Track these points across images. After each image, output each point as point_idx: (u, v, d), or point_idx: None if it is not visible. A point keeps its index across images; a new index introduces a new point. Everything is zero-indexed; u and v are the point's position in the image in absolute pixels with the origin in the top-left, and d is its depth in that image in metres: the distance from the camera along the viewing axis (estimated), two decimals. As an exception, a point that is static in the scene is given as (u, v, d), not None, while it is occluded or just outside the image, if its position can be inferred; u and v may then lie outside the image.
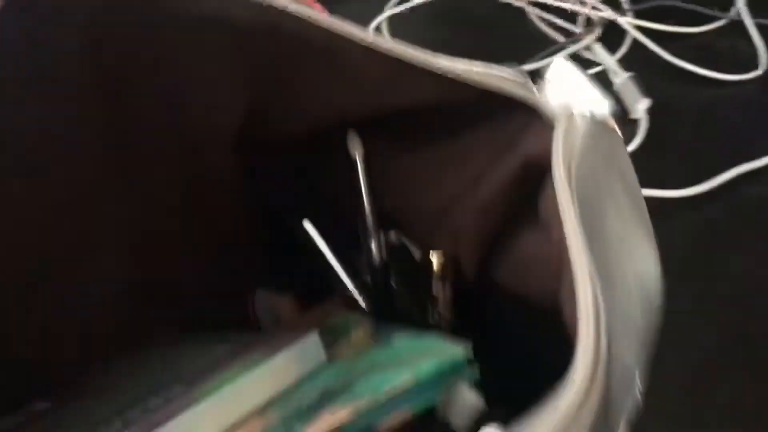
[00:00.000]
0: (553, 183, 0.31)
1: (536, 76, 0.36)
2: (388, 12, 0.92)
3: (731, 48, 0.87)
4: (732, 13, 0.89)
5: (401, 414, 0.32)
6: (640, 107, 0.78)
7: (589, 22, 0.89)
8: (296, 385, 0.35)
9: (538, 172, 0.35)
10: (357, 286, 0.46)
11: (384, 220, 0.44)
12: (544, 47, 0.86)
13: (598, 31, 0.87)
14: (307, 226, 0.47)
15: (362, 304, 0.46)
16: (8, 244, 0.39)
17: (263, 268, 0.49)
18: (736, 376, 0.58)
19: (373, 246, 0.43)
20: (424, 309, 0.41)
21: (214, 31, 0.36)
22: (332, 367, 0.36)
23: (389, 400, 0.32)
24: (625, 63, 0.84)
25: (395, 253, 0.44)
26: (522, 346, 0.39)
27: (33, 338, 0.41)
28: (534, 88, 0.36)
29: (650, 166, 0.72)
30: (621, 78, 0.81)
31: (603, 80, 0.82)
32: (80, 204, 0.40)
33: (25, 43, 0.36)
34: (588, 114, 0.34)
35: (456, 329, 0.40)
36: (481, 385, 0.38)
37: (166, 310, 0.46)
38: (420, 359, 0.34)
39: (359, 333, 0.40)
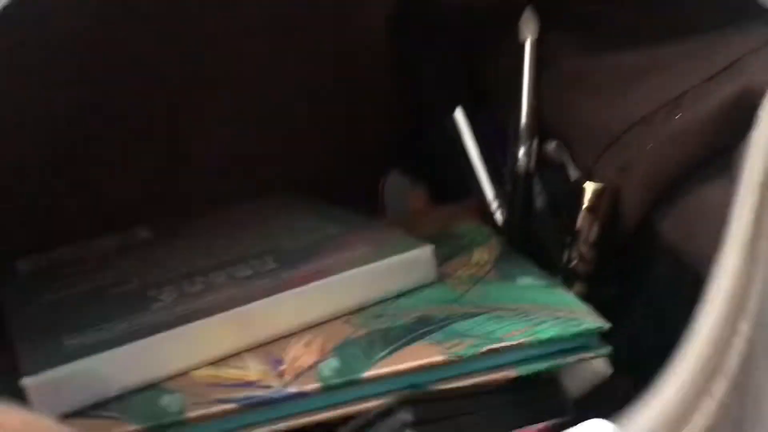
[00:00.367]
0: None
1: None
2: None
3: None
4: None
5: (504, 372, 0.27)
6: None
7: None
8: (395, 298, 0.31)
9: (754, 109, 0.27)
10: (496, 194, 0.40)
11: (543, 130, 0.37)
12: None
13: None
14: (458, 117, 0.41)
15: (497, 215, 0.40)
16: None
17: (400, 155, 0.45)
18: None
19: (521, 150, 0.36)
20: (562, 241, 0.34)
21: None
22: (440, 289, 0.31)
23: (492, 354, 0.26)
24: None
25: (549, 168, 0.37)
26: (665, 314, 0.33)
27: (156, 168, 0.40)
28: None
29: None
30: None
31: None
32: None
33: None
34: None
35: (591, 275, 0.34)
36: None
37: (294, 177, 0.43)
38: (543, 316, 0.28)
39: (483, 253, 0.35)
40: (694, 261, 0.31)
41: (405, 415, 0.24)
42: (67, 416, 0.25)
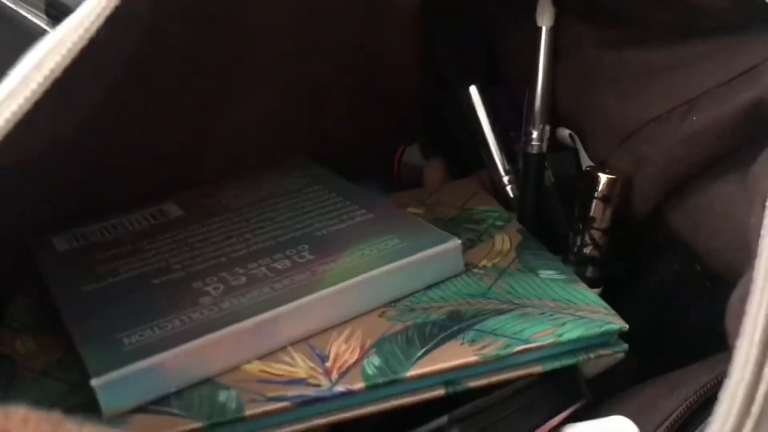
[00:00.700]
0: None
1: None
2: None
3: None
4: None
5: (530, 368, 0.29)
6: None
7: None
8: (425, 289, 0.33)
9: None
10: (507, 170, 0.42)
11: (558, 115, 0.38)
12: None
13: None
14: (473, 91, 0.42)
15: (509, 191, 0.42)
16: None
17: (416, 127, 0.46)
18: None
19: (534, 131, 0.38)
20: (574, 227, 0.36)
21: None
22: (466, 282, 0.34)
23: (520, 354, 0.29)
24: None
25: (560, 152, 0.39)
26: (669, 300, 0.35)
27: (184, 143, 0.41)
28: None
29: None
30: None
31: None
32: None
33: None
34: None
35: (603, 261, 0.36)
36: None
37: (313, 145, 0.44)
38: (567, 316, 0.30)
39: (504, 240, 0.37)
40: (700, 252, 0.33)
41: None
42: (132, 412, 0.27)
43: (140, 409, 0.28)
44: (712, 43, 0.30)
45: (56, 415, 0.18)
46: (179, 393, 0.28)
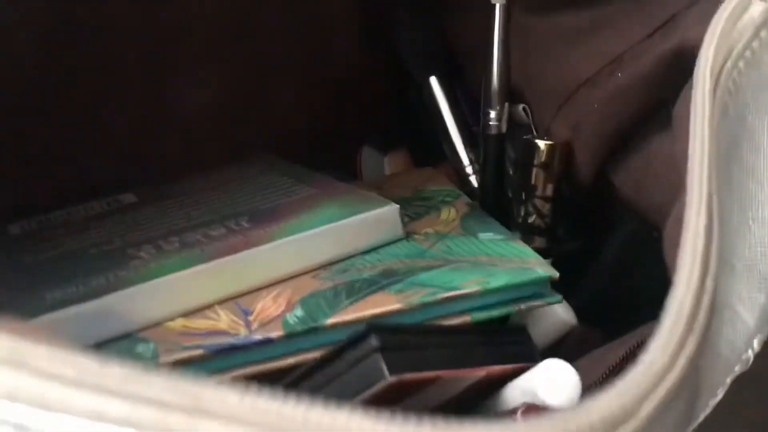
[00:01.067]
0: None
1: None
2: None
3: None
4: None
5: (459, 318, 0.28)
6: None
7: None
8: (362, 254, 0.33)
9: (691, 64, 0.28)
10: (471, 159, 0.42)
11: (512, 94, 0.38)
12: None
13: None
14: (433, 82, 0.42)
15: (472, 179, 0.42)
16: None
17: (378, 120, 0.46)
18: None
19: (493, 113, 0.37)
20: (515, 196, 0.35)
21: None
22: (405, 246, 0.33)
23: (447, 302, 0.28)
24: None
25: (519, 130, 0.39)
26: (625, 266, 0.34)
27: (134, 129, 0.41)
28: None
29: None
30: None
31: None
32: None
33: None
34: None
35: (552, 230, 0.35)
36: (575, 301, 0.34)
37: (267, 138, 0.44)
38: (497, 266, 0.30)
39: (451, 211, 0.36)
40: (647, 212, 0.32)
41: (373, 341, 0.25)
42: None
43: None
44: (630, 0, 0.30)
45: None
46: (98, 345, 0.28)
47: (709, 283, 0.21)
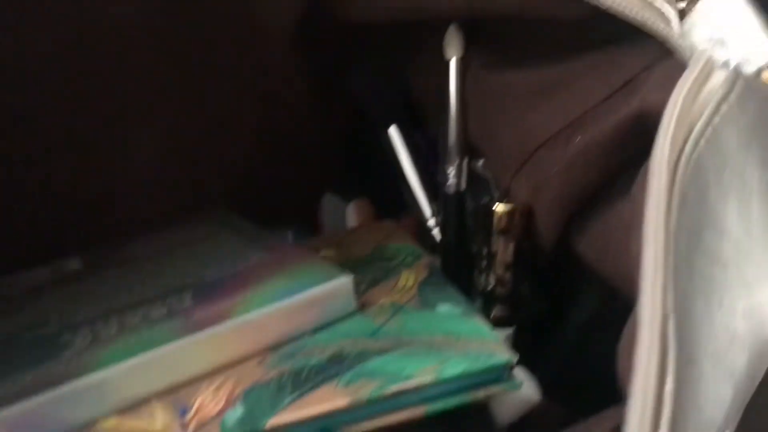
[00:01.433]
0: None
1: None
2: None
3: None
4: None
5: (412, 411, 0.26)
6: None
7: None
8: (311, 332, 0.31)
9: (653, 127, 0.26)
10: (433, 212, 0.40)
11: (471, 149, 0.36)
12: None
13: None
14: (393, 133, 0.40)
15: (435, 233, 0.40)
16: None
17: (338, 169, 0.44)
18: None
19: (451, 171, 0.35)
20: (476, 264, 0.34)
21: None
22: (359, 321, 0.31)
23: (398, 394, 0.26)
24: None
25: (479, 185, 0.37)
26: (590, 335, 0.32)
27: (81, 185, 0.39)
28: (672, 13, 0.26)
29: None
30: None
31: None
32: (139, 80, 0.36)
33: None
34: (737, 63, 0.24)
35: (515, 296, 0.33)
36: (539, 369, 0.32)
37: (225, 188, 0.42)
38: (453, 351, 0.28)
39: (410, 276, 0.34)
40: (612, 278, 0.30)
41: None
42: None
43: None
44: (588, 60, 0.28)
45: None
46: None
47: (667, 398, 0.20)
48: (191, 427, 0.26)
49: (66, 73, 0.36)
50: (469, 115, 0.35)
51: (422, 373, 0.27)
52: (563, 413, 0.31)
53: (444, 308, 0.31)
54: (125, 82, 0.37)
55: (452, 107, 0.36)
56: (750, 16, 0.25)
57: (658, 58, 0.27)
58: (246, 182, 0.42)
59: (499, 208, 0.32)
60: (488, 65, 0.33)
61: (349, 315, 0.31)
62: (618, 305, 0.31)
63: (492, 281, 0.33)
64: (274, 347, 0.30)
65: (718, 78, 0.24)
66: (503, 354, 0.27)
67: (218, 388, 0.28)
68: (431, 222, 0.40)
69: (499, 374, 0.28)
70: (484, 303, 0.33)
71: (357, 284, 0.32)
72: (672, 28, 0.26)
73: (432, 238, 0.40)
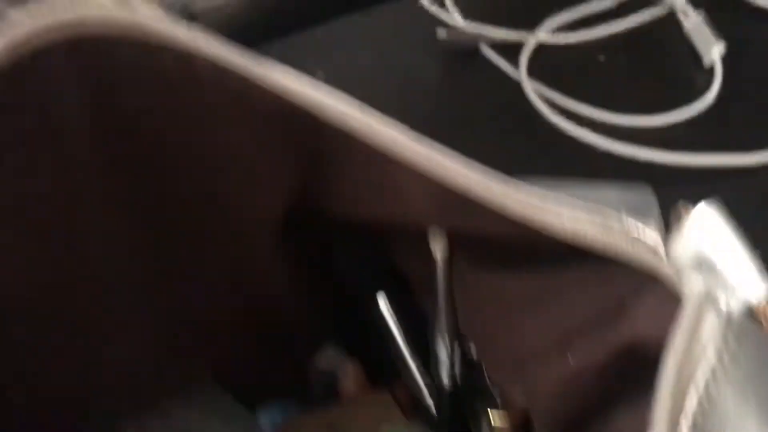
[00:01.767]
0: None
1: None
2: None
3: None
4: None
5: None
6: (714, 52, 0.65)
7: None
8: None
9: (649, 360, 0.25)
10: (426, 383, 0.38)
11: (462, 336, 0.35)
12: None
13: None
14: (381, 303, 0.39)
15: (428, 403, 0.38)
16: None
17: (325, 336, 0.43)
18: None
19: (443, 370, 0.34)
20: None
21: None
22: None
23: None
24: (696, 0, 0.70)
25: (471, 370, 0.36)
26: None
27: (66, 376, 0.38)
28: (659, 241, 0.25)
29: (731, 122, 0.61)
30: (692, 20, 0.67)
31: (670, 23, 0.68)
32: (109, 274, 0.35)
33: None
34: (732, 304, 0.23)
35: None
36: None
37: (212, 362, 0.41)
38: None
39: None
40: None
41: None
42: None
43: None
44: (576, 270, 0.27)
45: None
46: None
47: None
48: None
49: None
50: (459, 310, 0.34)
51: None
52: None
53: None
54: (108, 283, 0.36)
55: (442, 307, 0.34)
56: (735, 240, 0.24)
57: (642, 282, 0.26)
58: (233, 363, 0.40)
59: (494, 415, 0.31)
60: (478, 267, 0.32)
61: None
62: None
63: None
64: None
65: (711, 327, 0.23)
66: None
67: None
68: (427, 397, 0.38)
69: None
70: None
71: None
72: (660, 257, 0.25)
73: (428, 413, 0.38)
